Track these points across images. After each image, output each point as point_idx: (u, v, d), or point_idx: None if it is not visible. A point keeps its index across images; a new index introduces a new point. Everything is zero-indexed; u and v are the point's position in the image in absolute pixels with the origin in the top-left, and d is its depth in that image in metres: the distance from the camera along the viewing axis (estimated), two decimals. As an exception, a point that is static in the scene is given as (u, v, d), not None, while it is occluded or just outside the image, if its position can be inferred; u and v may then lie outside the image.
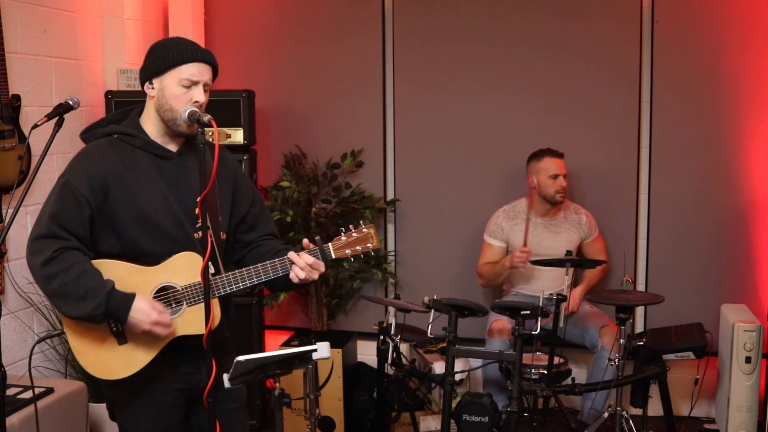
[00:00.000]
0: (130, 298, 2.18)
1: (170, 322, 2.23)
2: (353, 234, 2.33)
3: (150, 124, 2.32)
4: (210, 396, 2.13)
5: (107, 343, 2.26)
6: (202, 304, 2.17)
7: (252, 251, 2.47)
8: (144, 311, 2.18)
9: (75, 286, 2.15)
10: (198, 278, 2.22)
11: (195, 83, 2.24)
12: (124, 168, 2.25)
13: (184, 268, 2.24)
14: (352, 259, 2.34)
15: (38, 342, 2.72)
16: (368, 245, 2.33)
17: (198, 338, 2.16)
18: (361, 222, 2.37)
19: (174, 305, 2.27)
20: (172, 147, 2.33)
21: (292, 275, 2.29)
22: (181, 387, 2.35)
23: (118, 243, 2.25)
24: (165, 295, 2.26)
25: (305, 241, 2.33)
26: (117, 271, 2.22)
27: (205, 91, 2.27)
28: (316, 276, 2.30)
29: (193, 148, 2.33)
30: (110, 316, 2.19)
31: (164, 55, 2.24)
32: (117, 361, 2.26)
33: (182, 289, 2.26)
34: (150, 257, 2.26)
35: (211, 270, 2.22)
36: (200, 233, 2.25)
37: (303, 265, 2.27)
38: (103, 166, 2.23)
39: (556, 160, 3.98)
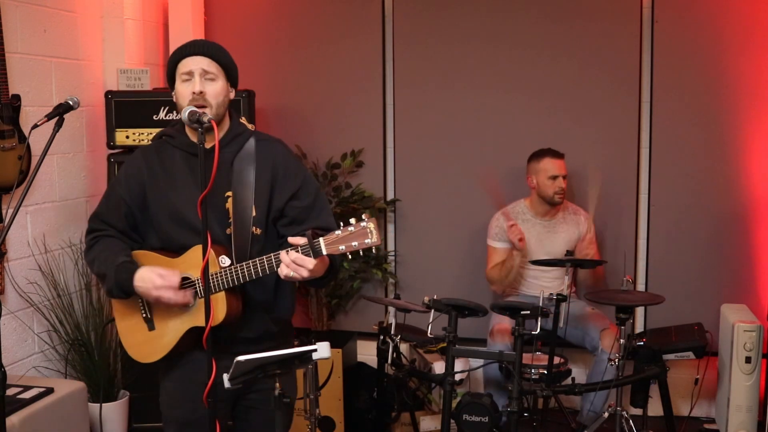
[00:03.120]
0: (133, 269, 2.28)
1: (176, 283, 2.25)
2: (350, 228, 2.09)
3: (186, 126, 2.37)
4: (210, 396, 2.13)
5: (141, 329, 2.39)
6: (217, 295, 2.24)
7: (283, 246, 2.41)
8: (146, 278, 2.26)
9: (103, 266, 2.35)
10: (213, 269, 2.24)
11: (191, 74, 2.30)
12: (161, 168, 2.37)
13: (196, 260, 2.26)
14: (349, 255, 2.12)
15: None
16: (366, 241, 2.07)
17: (223, 332, 2.23)
18: (363, 216, 2.12)
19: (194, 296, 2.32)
20: (207, 143, 2.29)
21: (279, 270, 2.17)
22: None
23: (157, 238, 2.39)
24: (185, 285, 2.31)
25: (290, 238, 2.19)
26: (147, 260, 2.35)
27: (209, 80, 2.30)
28: (304, 273, 2.12)
29: (227, 143, 2.34)
30: (121, 289, 2.31)
31: (169, 62, 2.38)
32: (147, 346, 2.38)
33: (195, 280, 2.30)
34: (184, 250, 2.33)
35: (226, 263, 2.26)
36: (231, 228, 2.31)
37: (288, 261, 2.14)
38: (140, 169, 2.39)
39: (556, 161, 3.98)
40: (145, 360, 2.39)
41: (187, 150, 2.36)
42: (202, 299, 2.25)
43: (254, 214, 2.33)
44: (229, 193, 2.32)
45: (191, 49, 2.32)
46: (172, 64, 2.35)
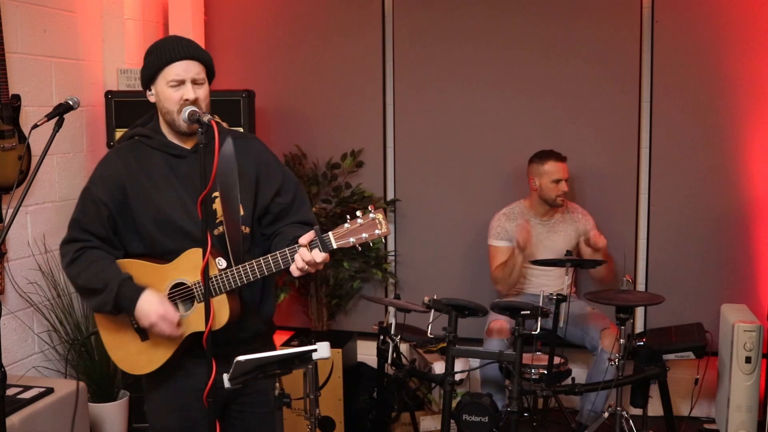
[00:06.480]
0: (140, 289, 2.24)
1: (176, 320, 2.24)
2: (358, 220, 2.09)
3: (163, 126, 2.36)
4: (210, 396, 2.13)
5: (132, 339, 2.34)
6: (218, 298, 2.22)
7: (272, 241, 2.41)
8: (152, 303, 2.22)
9: (95, 280, 2.27)
10: (212, 272, 2.22)
11: (182, 82, 2.25)
12: (140, 169, 2.31)
13: (192, 264, 2.25)
14: (358, 247, 2.12)
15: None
16: (376, 231, 2.08)
17: (222, 335, 2.20)
18: (369, 207, 2.11)
19: (187, 302, 2.29)
20: (188, 145, 2.34)
21: (292, 268, 2.19)
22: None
23: (140, 243, 2.34)
24: (177, 292, 2.28)
25: (301, 238, 2.22)
26: (134, 270, 2.30)
27: (198, 85, 2.27)
28: (320, 267, 2.18)
29: (208, 145, 2.29)
30: (120, 306, 2.25)
31: (151, 61, 2.29)
32: (141, 357, 2.34)
33: (193, 285, 2.27)
34: (170, 255, 2.30)
35: (223, 265, 2.24)
36: (220, 229, 2.28)
37: (301, 264, 2.18)
38: (118, 170, 2.32)
39: (560, 165, 3.96)
40: (141, 371, 2.35)
41: (167, 151, 2.32)
42: (201, 303, 2.23)
43: (242, 212, 2.33)
44: (216, 194, 2.28)
45: (179, 52, 2.25)
46: (157, 67, 2.26)
